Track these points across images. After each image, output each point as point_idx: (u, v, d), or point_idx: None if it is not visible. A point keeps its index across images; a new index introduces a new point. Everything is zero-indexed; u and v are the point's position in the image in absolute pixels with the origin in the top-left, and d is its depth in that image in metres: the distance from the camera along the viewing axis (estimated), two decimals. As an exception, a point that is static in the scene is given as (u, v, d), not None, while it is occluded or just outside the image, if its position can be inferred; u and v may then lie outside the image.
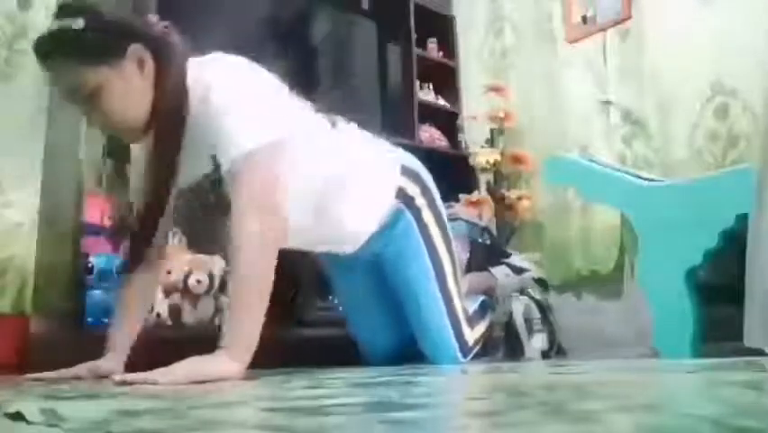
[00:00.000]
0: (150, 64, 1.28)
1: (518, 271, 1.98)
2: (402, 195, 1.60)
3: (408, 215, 1.60)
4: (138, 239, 1.40)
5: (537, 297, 1.93)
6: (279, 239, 1.24)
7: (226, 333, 1.16)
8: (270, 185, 1.24)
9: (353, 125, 1.63)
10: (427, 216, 1.63)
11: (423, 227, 1.62)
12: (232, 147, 1.23)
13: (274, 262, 1.21)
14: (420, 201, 1.62)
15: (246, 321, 1.16)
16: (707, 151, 2.31)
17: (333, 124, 1.53)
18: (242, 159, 1.22)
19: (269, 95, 1.36)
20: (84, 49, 1.21)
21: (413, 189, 1.62)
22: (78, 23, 1.20)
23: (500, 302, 1.85)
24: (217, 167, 1.30)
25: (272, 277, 1.20)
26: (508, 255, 2.16)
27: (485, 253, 2.25)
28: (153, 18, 1.35)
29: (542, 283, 1.96)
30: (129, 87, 1.26)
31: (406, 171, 1.63)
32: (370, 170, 1.58)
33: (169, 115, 1.29)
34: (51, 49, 1.22)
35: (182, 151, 1.31)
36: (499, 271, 1.96)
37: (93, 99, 1.24)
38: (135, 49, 1.26)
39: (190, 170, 1.36)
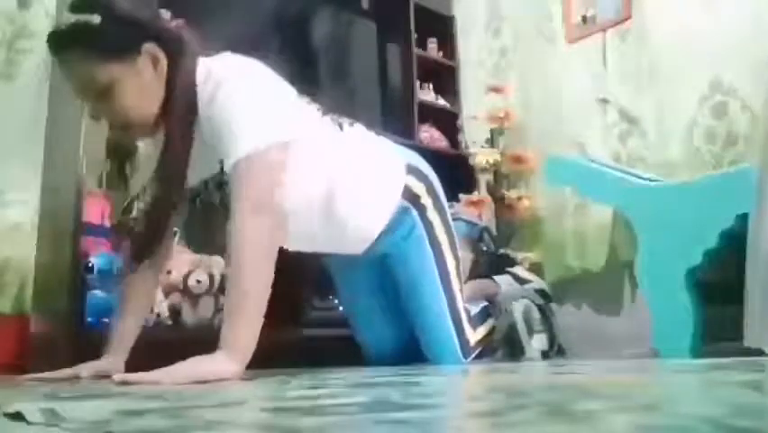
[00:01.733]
0: (163, 62, 1.27)
1: (522, 281, 1.99)
2: (408, 193, 1.59)
3: (414, 213, 1.60)
4: (145, 237, 1.39)
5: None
6: (278, 239, 1.24)
7: (225, 333, 1.16)
8: (269, 186, 1.23)
9: (359, 126, 1.62)
10: (432, 214, 1.63)
11: (428, 226, 1.62)
12: (233, 148, 1.22)
13: (273, 263, 1.21)
14: (426, 200, 1.62)
15: (244, 322, 1.16)
16: (705, 150, 2.31)
17: (341, 126, 1.52)
18: (242, 160, 1.22)
19: (276, 97, 1.36)
20: (100, 44, 1.20)
21: (419, 188, 1.62)
22: (95, 18, 1.19)
23: (502, 310, 1.85)
24: (223, 169, 1.30)
25: (271, 277, 1.20)
26: (513, 265, 2.17)
27: (490, 261, 2.26)
28: (166, 15, 1.34)
29: (544, 295, 1.97)
30: (142, 84, 1.26)
31: (412, 170, 1.63)
32: (377, 172, 1.57)
33: (180, 113, 1.29)
34: (67, 43, 1.21)
35: (194, 148, 1.32)
36: (503, 280, 1.97)
37: (105, 95, 1.24)
38: (150, 46, 1.26)
39: (199, 170, 1.36)
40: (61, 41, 1.22)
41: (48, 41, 1.23)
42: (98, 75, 1.22)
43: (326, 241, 1.54)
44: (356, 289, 1.76)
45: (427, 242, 1.62)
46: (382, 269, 1.66)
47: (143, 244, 1.39)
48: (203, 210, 1.43)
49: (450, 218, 1.70)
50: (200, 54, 1.32)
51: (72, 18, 1.20)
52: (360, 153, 1.55)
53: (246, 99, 1.26)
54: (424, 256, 1.62)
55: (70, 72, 1.25)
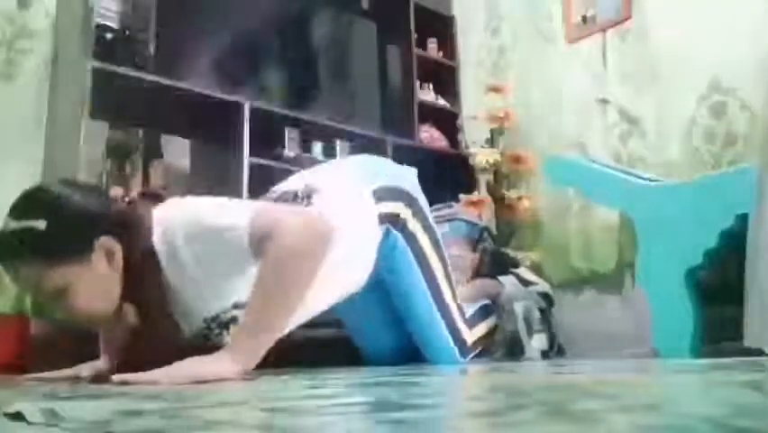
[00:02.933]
0: (118, 253, 1.18)
1: (525, 283, 1.99)
2: (384, 218, 1.57)
3: (394, 232, 1.59)
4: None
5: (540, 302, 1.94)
6: (322, 247, 1.22)
7: (236, 334, 1.15)
8: (289, 210, 1.21)
9: (322, 168, 1.62)
10: (413, 224, 1.62)
11: (410, 237, 1.61)
12: (233, 231, 1.17)
13: (311, 281, 1.19)
14: (404, 214, 1.61)
15: (262, 334, 1.15)
16: (704, 150, 2.31)
17: (305, 200, 1.47)
18: (250, 222, 1.17)
19: (232, 202, 1.33)
20: (48, 250, 1.11)
21: (393, 207, 1.59)
22: (39, 225, 1.10)
23: (505, 310, 1.86)
24: (209, 324, 1.27)
25: (301, 301, 1.19)
26: (517, 265, 2.18)
27: (494, 260, 2.27)
28: (118, 193, 1.30)
29: (546, 298, 1.97)
30: (98, 281, 1.17)
31: (383, 194, 1.58)
32: (352, 224, 1.49)
33: (147, 285, 1.21)
34: (11, 250, 1.12)
35: (181, 295, 1.24)
36: (507, 281, 1.98)
37: (61, 296, 1.15)
38: (104, 240, 1.17)
39: (200, 309, 1.27)
40: (5, 249, 1.12)
41: None
42: (51, 280, 1.13)
43: (322, 303, 1.48)
44: (353, 300, 1.75)
45: (410, 253, 1.61)
46: (376, 276, 1.65)
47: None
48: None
49: (433, 222, 1.69)
50: (151, 220, 1.23)
51: (15, 224, 1.11)
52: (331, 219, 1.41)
53: (207, 211, 1.23)
54: (409, 267, 1.62)
55: (20, 279, 1.16)
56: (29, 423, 0.57)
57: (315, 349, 1.81)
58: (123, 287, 1.20)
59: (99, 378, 1.26)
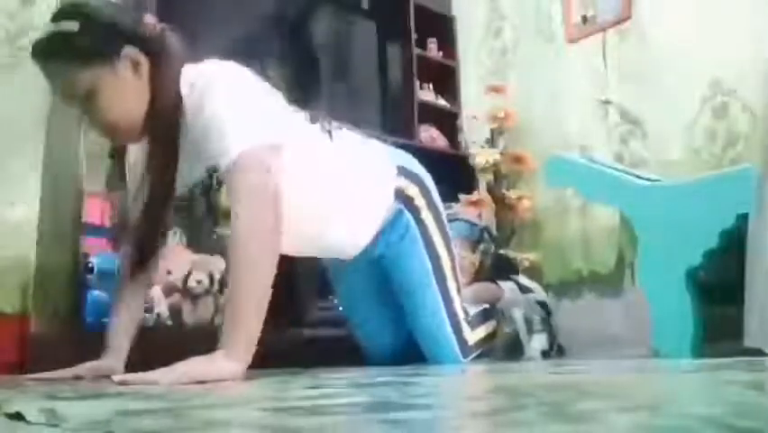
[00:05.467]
0: (145, 66, 1.28)
1: (524, 289, 1.99)
2: (401, 196, 1.60)
3: (407, 215, 1.60)
4: (138, 245, 1.40)
5: (539, 299, 1.94)
6: (279, 237, 1.24)
7: (225, 333, 1.15)
8: (266, 184, 1.23)
9: (349, 130, 1.63)
10: (426, 215, 1.63)
11: (422, 227, 1.62)
12: (226, 150, 1.21)
13: (275, 262, 1.21)
14: (419, 201, 1.63)
15: (245, 321, 1.15)
16: (705, 150, 2.31)
17: (330, 135, 1.52)
18: (237, 159, 1.21)
19: (264, 101, 1.36)
20: (77, 51, 1.22)
21: (412, 190, 1.62)
22: (72, 26, 1.21)
23: (504, 315, 1.86)
24: (210, 175, 1.31)
25: (272, 276, 1.19)
26: (517, 271, 2.18)
27: (494, 264, 2.27)
28: (152, 19, 1.34)
29: (544, 307, 1.97)
30: (123, 88, 1.27)
31: (404, 172, 1.63)
32: (368, 177, 1.57)
33: (165, 118, 1.29)
34: (46, 51, 1.24)
35: (180, 155, 1.32)
36: (506, 286, 1.98)
37: (89, 100, 1.26)
38: (129, 51, 1.27)
39: (187, 176, 1.36)
40: (42, 50, 1.24)
41: (31, 51, 1.25)
42: (78, 81, 1.24)
43: (317, 246, 1.55)
44: (354, 290, 1.76)
45: (422, 242, 1.62)
46: (380, 270, 1.66)
47: (141, 246, 1.40)
48: (194, 218, 1.43)
49: (444, 218, 1.71)
50: (186, 59, 1.33)
51: (51, 26, 1.23)
52: (349, 160, 1.55)
53: (235, 103, 1.26)
54: (418, 257, 1.62)
55: (53, 79, 1.27)
56: (29, 423, 0.57)
57: (316, 349, 1.81)
58: (147, 112, 1.29)
59: (99, 378, 1.26)
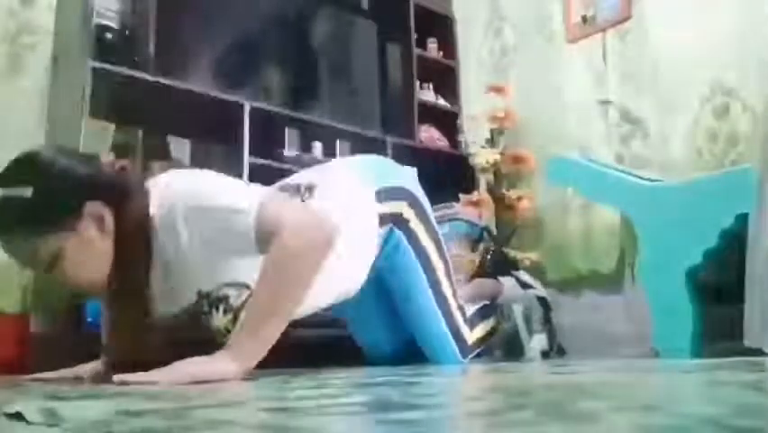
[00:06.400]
0: (109, 218, 1.17)
1: (524, 285, 2.00)
2: (387, 219, 1.58)
3: (397, 231, 1.60)
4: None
5: (539, 295, 1.95)
6: (326, 250, 1.20)
7: (236, 334, 1.15)
8: (300, 204, 1.21)
9: (323, 167, 1.61)
10: (415, 224, 1.63)
11: (412, 237, 1.62)
12: (245, 217, 1.15)
13: (316, 274, 1.18)
14: (407, 213, 1.62)
15: (269, 328, 1.14)
16: (706, 150, 2.31)
17: (306, 193, 1.47)
18: (259, 208, 1.16)
19: (236, 182, 1.32)
20: (36, 218, 1.10)
21: (396, 207, 1.60)
22: (26, 192, 1.09)
23: (504, 311, 1.86)
24: (200, 299, 1.25)
25: (303, 301, 1.19)
26: (517, 268, 2.18)
27: (494, 261, 2.27)
28: (109, 158, 1.28)
29: (544, 303, 1.97)
30: (89, 248, 1.15)
31: (385, 194, 1.58)
32: (353, 222, 1.48)
33: (134, 264, 1.19)
34: (2, 221, 1.12)
35: (161, 282, 1.21)
36: (507, 282, 1.98)
37: (53, 264, 1.14)
38: (90, 208, 1.15)
39: (170, 303, 1.25)
40: None
41: None
42: (41, 249, 1.12)
43: (323, 300, 1.47)
44: (355, 299, 1.76)
45: (413, 252, 1.62)
46: (377, 277, 1.65)
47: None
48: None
49: (434, 222, 1.70)
50: (146, 189, 1.21)
51: (4, 193, 1.10)
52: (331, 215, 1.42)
53: (219, 189, 1.22)
54: (411, 266, 1.63)
55: (12, 249, 1.14)
56: (29, 423, 0.57)
57: (316, 349, 1.81)
58: (114, 254, 1.18)
59: (99, 378, 1.26)
